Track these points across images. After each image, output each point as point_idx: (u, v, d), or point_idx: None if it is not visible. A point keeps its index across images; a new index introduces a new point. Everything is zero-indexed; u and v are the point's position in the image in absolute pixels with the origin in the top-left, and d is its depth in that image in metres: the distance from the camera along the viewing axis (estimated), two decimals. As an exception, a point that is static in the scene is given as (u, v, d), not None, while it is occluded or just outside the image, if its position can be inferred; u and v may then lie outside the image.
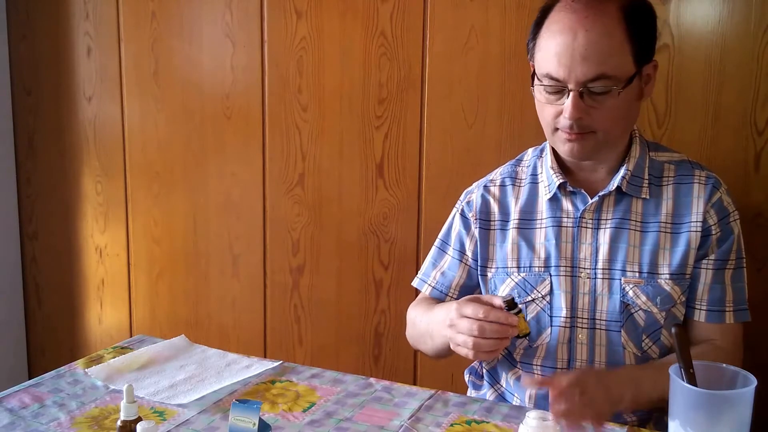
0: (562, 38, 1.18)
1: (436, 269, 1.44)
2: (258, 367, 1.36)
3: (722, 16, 1.59)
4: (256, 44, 2.07)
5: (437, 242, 1.47)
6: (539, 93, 1.24)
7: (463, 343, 1.17)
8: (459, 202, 1.44)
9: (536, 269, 1.32)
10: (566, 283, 1.30)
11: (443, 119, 1.89)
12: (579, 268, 1.29)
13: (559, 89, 1.20)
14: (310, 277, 2.12)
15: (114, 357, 1.39)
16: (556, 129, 1.24)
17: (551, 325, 1.30)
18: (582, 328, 1.29)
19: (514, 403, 1.37)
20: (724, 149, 1.64)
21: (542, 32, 1.23)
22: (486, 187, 1.40)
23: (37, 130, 2.47)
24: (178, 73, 2.21)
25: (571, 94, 1.18)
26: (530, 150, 1.43)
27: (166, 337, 1.50)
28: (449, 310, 1.21)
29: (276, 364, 1.37)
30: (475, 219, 1.38)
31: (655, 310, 1.26)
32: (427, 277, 1.45)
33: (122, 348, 1.46)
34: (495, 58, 1.81)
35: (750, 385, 0.94)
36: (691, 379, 0.96)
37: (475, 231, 1.38)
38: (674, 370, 0.97)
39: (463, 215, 1.41)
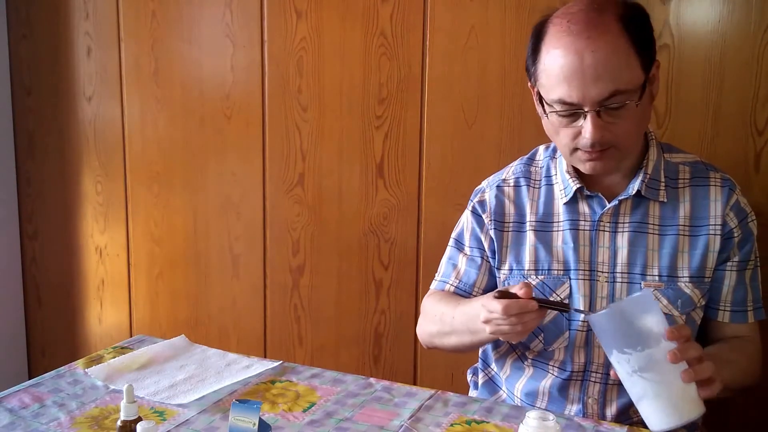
0: (568, 62, 1.15)
1: (456, 270, 1.40)
2: (258, 367, 1.36)
3: (722, 16, 1.59)
4: (256, 44, 2.07)
5: (452, 242, 1.43)
6: (553, 118, 1.21)
7: (503, 335, 1.17)
8: (470, 201, 1.41)
9: (555, 272, 1.30)
10: (585, 286, 1.28)
11: (443, 119, 1.89)
12: (597, 272, 1.28)
13: (573, 112, 1.18)
14: (310, 277, 2.12)
15: (114, 357, 1.39)
16: (575, 149, 1.22)
17: (569, 329, 1.29)
18: None
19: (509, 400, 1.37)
20: (724, 149, 1.64)
21: (542, 57, 1.20)
22: (499, 187, 1.37)
23: (37, 130, 2.47)
24: (178, 73, 2.20)
25: (589, 115, 1.16)
26: (541, 148, 1.40)
27: (166, 337, 1.50)
28: (478, 307, 1.19)
29: (276, 364, 1.37)
30: (490, 220, 1.35)
31: (675, 313, 1.25)
32: (448, 278, 1.40)
33: (122, 348, 1.46)
34: (495, 58, 1.81)
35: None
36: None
37: (491, 231, 1.35)
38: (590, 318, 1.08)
39: (475, 213, 1.38)
